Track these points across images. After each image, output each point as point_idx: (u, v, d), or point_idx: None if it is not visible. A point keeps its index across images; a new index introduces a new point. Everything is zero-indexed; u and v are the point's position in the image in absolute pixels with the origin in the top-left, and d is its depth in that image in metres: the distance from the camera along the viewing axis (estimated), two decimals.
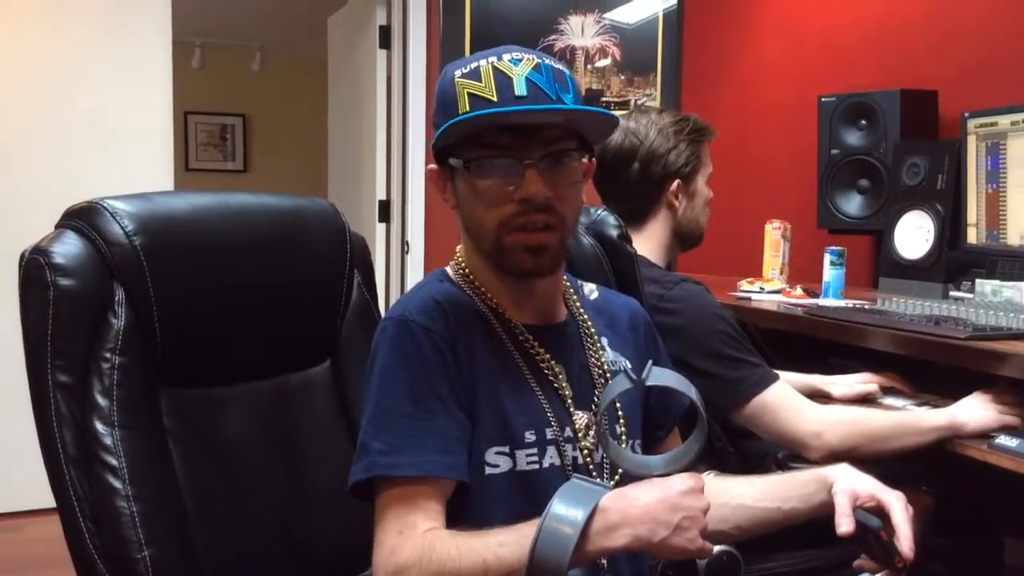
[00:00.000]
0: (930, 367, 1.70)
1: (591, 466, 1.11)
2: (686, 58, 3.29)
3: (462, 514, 1.03)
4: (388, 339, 1.07)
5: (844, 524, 1.09)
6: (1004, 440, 1.38)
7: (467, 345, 1.08)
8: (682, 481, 0.97)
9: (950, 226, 2.15)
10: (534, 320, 1.15)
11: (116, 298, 1.11)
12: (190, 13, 4.38)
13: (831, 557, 1.61)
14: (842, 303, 2.06)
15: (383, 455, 1.02)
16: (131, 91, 3.48)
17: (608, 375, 1.16)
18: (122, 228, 1.12)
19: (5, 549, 3.10)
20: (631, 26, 3.41)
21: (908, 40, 2.68)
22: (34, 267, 1.09)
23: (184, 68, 5.09)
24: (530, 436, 1.08)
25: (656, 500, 0.95)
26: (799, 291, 2.24)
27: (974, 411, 1.50)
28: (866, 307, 1.94)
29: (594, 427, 1.11)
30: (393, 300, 3.97)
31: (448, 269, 1.18)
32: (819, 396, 1.73)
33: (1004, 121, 2.02)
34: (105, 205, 1.14)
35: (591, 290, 1.26)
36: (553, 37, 3.41)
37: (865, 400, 1.74)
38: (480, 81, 1.06)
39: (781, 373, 1.65)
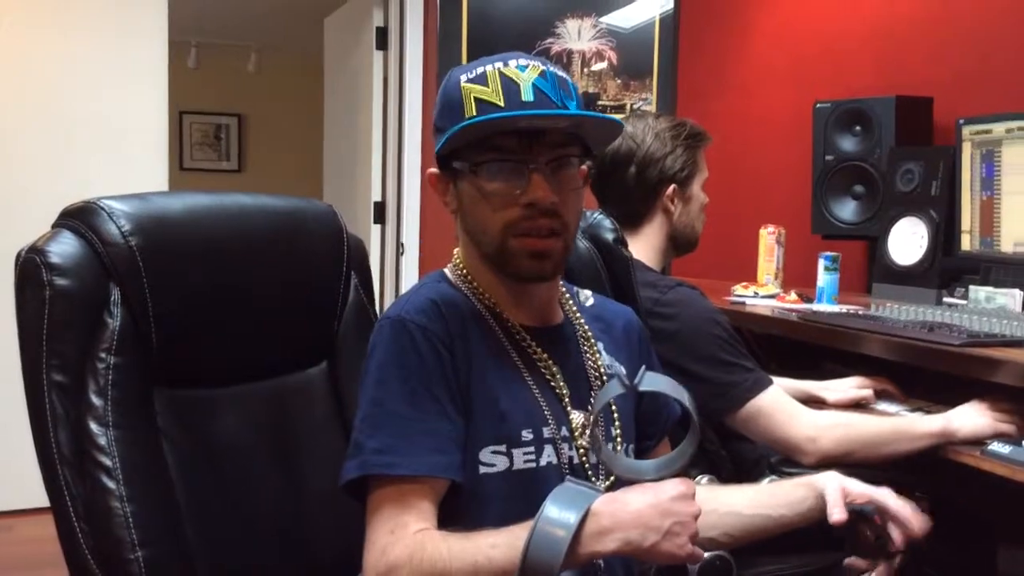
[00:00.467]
0: (923, 373, 1.70)
1: (587, 465, 1.12)
2: (682, 63, 3.30)
3: (455, 514, 1.03)
4: (384, 338, 1.07)
5: (836, 513, 1.12)
6: (997, 447, 1.39)
7: (464, 344, 1.08)
8: (673, 487, 0.98)
9: (944, 232, 2.16)
10: (531, 321, 1.16)
11: (112, 298, 1.11)
12: (186, 13, 4.37)
13: (820, 563, 1.62)
14: (836, 308, 2.07)
15: (377, 454, 1.02)
16: (127, 90, 3.48)
17: (604, 378, 1.17)
18: (118, 228, 1.12)
19: None
20: (627, 30, 3.42)
21: (904, 47, 2.69)
22: (30, 266, 1.08)
23: (180, 68, 5.09)
24: (527, 434, 1.08)
25: (647, 505, 0.96)
26: (793, 296, 2.24)
27: (969, 418, 1.50)
28: (860, 313, 1.95)
29: (589, 429, 1.11)
30: (388, 301, 3.97)
31: (447, 271, 1.19)
32: (813, 401, 1.74)
33: (999, 128, 2.03)
34: (102, 205, 1.13)
35: (587, 297, 1.26)
36: (550, 40, 3.41)
37: (859, 405, 1.74)
38: (487, 86, 1.07)
39: (775, 378, 1.66)
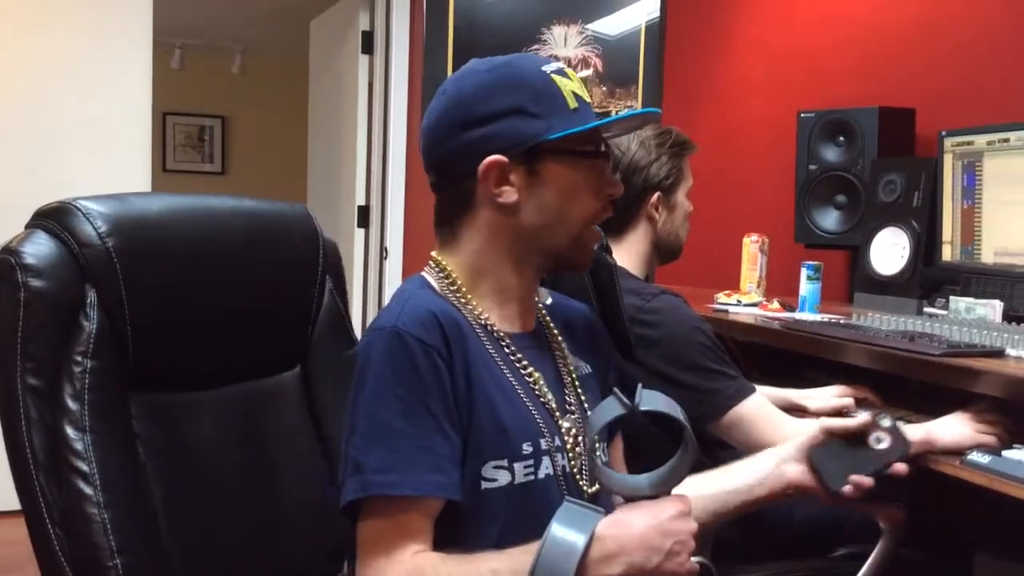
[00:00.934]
0: (904, 383, 1.71)
1: (578, 475, 1.11)
2: (667, 71, 3.31)
3: (452, 531, 1.02)
4: (380, 350, 1.02)
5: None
6: (976, 457, 1.40)
7: (462, 357, 1.05)
8: (672, 505, 1.00)
9: (925, 243, 2.17)
10: (513, 328, 1.14)
11: (88, 300, 1.09)
12: (171, 13, 4.35)
13: (805, 569, 1.62)
14: (818, 317, 2.08)
15: (377, 473, 0.99)
16: (110, 91, 3.45)
17: (576, 381, 1.17)
18: (95, 229, 1.10)
19: None
20: (613, 38, 3.42)
21: (887, 58, 2.71)
22: (4, 267, 1.06)
23: (164, 68, 5.05)
24: (527, 447, 1.07)
25: (649, 526, 0.97)
26: (776, 304, 2.25)
27: (951, 428, 1.51)
28: (842, 322, 1.95)
29: (585, 445, 1.11)
30: (371, 306, 3.95)
31: (428, 277, 1.15)
32: (795, 409, 1.74)
33: (980, 140, 2.05)
34: (78, 205, 1.11)
35: (545, 294, 1.24)
36: (536, 46, 3.41)
37: (840, 413, 1.75)
38: (572, 81, 1.11)
39: (757, 387, 1.66)
